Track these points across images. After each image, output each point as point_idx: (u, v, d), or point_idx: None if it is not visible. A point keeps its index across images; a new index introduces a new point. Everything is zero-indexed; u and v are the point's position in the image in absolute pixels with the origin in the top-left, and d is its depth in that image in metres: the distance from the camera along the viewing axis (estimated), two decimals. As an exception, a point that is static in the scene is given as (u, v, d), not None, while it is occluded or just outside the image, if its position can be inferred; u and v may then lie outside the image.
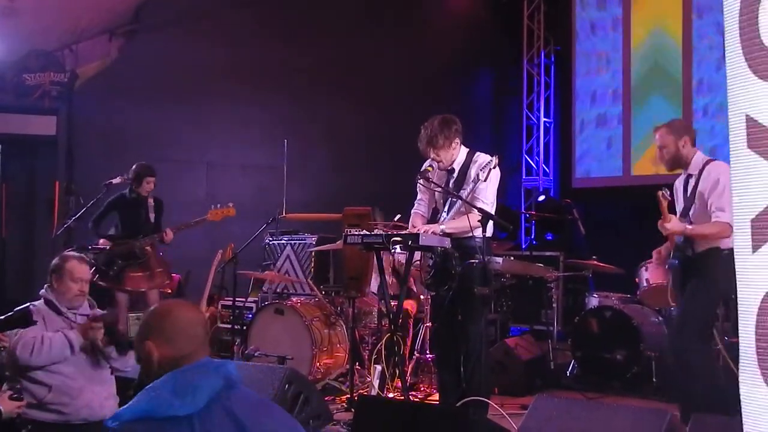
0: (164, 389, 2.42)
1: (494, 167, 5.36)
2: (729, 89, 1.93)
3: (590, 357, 7.35)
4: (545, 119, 12.81)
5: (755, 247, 1.84)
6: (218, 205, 7.82)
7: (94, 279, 7.68)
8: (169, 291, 8.30)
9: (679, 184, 5.50)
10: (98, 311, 4.78)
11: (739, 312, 1.88)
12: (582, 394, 6.67)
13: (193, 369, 2.50)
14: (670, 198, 5.18)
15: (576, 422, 4.05)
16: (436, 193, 5.72)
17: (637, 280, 7.25)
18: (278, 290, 8.21)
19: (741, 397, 1.85)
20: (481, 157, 5.54)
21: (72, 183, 9.66)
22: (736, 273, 1.91)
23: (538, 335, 8.25)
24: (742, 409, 1.85)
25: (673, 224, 5.11)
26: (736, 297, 1.91)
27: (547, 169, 12.75)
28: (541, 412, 4.20)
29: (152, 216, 7.96)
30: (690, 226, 5.17)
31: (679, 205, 5.42)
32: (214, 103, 10.40)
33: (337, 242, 6.75)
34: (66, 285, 4.62)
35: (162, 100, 10.11)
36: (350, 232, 5.42)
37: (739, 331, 1.86)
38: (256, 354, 6.28)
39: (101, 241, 7.82)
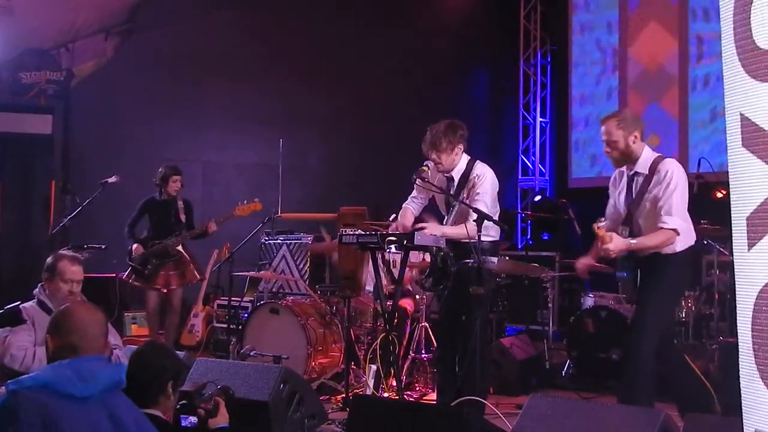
0: (68, 369, 2.60)
1: (478, 178, 5.46)
2: (725, 89, 1.94)
3: (586, 357, 7.35)
4: (541, 119, 12.82)
5: (750, 245, 1.85)
6: (245, 202, 7.86)
7: (130, 280, 7.88)
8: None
9: (620, 178, 5.16)
10: None
11: (736, 308, 1.90)
12: (577, 394, 6.67)
13: (93, 359, 2.71)
14: (605, 224, 4.81)
15: (570, 422, 4.05)
16: (437, 197, 5.75)
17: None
18: (274, 290, 8.21)
19: (741, 391, 1.88)
20: (478, 168, 5.60)
21: (68, 182, 9.66)
22: (734, 269, 1.93)
23: (534, 335, 8.26)
24: (742, 403, 1.88)
25: (615, 244, 4.77)
26: (732, 297, 1.92)
27: (543, 169, 12.77)
28: (536, 411, 4.20)
29: (183, 216, 8.11)
30: (634, 241, 4.88)
31: (620, 205, 5.11)
32: (210, 102, 10.41)
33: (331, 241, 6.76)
34: (56, 285, 4.62)
35: (158, 99, 10.12)
36: (345, 231, 5.43)
37: (737, 328, 1.88)
38: (251, 353, 6.28)
39: (134, 246, 7.98)
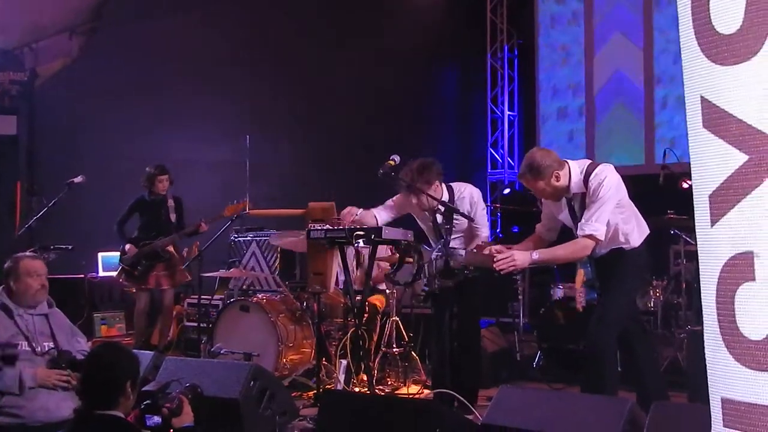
0: None
1: (473, 203, 5.79)
2: (684, 72, 2.02)
3: (556, 348, 7.39)
4: (509, 113, 12.88)
5: (713, 221, 1.94)
6: (234, 201, 7.80)
7: (120, 279, 7.87)
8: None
9: (558, 206, 5.08)
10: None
11: (701, 282, 1.99)
12: (548, 385, 6.72)
13: None
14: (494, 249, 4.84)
15: (540, 412, 4.08)
16: (422, 224, 5.94)
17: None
18: (244, 287, 8.18)
19: (706, 360, 1.98)
20: (465, 192, 5.83)
21: (34, 183, 9.57)
22: (698, 245, 2.01)
23: (504, 327, 8.29)
24: (708, 372, 1.98)
25: (520, 260, 4.75)
26: (698, 285, 2.01)
27: (512, 162, 12.83)
28: (506, 402, 4.23)
29: (173, 216, 8.09)
30: (537, 255, 4.82)
31: (568, 223, 5.04)
32: (177, 100, 10.33)
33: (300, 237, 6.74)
34: (25, 283, 4.60)
35: (124, 98, 10.03)
36: (314, 226, 5.43)
37: (702, 300, 1.98)
38: (222, 351, 6.24)
39: (128, 246, 7.99)
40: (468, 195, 5.84)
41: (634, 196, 5.05)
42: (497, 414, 4.16)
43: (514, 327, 8.17)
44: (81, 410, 3.24)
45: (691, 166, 2.01)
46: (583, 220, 4.74)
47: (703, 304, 1.98)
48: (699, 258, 2.01)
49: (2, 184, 9.94)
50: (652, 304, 7.50)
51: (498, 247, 4.81)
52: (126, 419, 3.20)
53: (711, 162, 1.94)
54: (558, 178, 4.81)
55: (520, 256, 4.77)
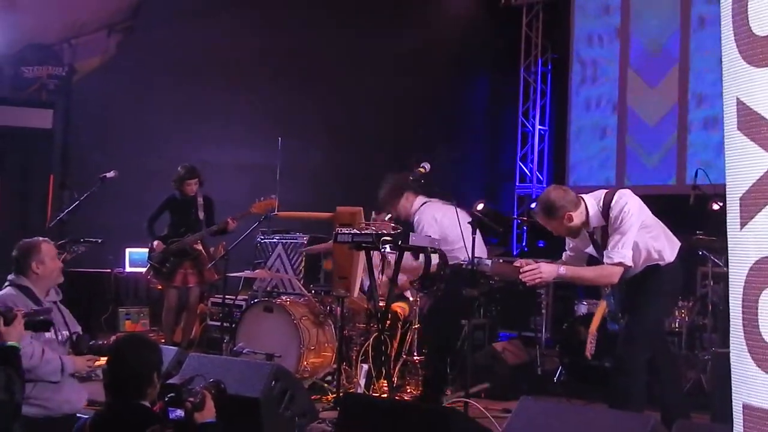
0: None
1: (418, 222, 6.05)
2: (723, 74, 2.03)
3: (578, 364, 7.35)
4: (540, 127, 12.84)
5: (742, 224, 1.95)
6: (261, 198, 7.83)
7: (149, 276, 7.95)
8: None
9: (582, 240, 5.05)
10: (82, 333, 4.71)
11: (729, 285, 2.00)
12: (568, 400, 6.68)
13: None
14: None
15: (560, 425, 4.06)
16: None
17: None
18: (268, 288, 8.22)
19: (731, 364, 1.98)
20: (418, 213, 6.21)
21: (67, 177, 9.67)
22: (728, 249, 2.01)
23: (527, 341, 8.27)
24: (732, 376, 1.98)
25: (546, 273, 4.77)
26: (726, 307, 2.01)
27: (540, 177, 12.79)
28: (525, 414, 4.22)
29: (201, 214, 8.14)
30: (563, 270, 4.86)
31: (592, 252, 5.03)
32: (210, 101, 10.41)
33: (328, 242, 6.78)
34: (50, 266, 4.59)
35: (158, 96, 10.12)
36: (341, 230, 5.46)
37: (729, 304, 1.98)
38: (244, 351, 6.27)
39: (155, 243, 8.07)
40: (418, 218, 6.16)
41: (663, 215, 5.04)
42: (517, 425, 4.15)
43: (537, 341, 8.15)
44: (109, 401, 3.28)
45: (726, 168, 2.02)
46: (609, 248, 4.72)
47: (730, 308, 1.98)
48: (728, 262, 2.02)
49: (36, 177, 10.07)
50: (677, 325, 7.44)
51: (526, 261, 4.81)
52: (153, 410, 3.24)
53: (743, 164, 1.95)
54: (571, 219, 4.80)
55: (546, 269, 4.78)
